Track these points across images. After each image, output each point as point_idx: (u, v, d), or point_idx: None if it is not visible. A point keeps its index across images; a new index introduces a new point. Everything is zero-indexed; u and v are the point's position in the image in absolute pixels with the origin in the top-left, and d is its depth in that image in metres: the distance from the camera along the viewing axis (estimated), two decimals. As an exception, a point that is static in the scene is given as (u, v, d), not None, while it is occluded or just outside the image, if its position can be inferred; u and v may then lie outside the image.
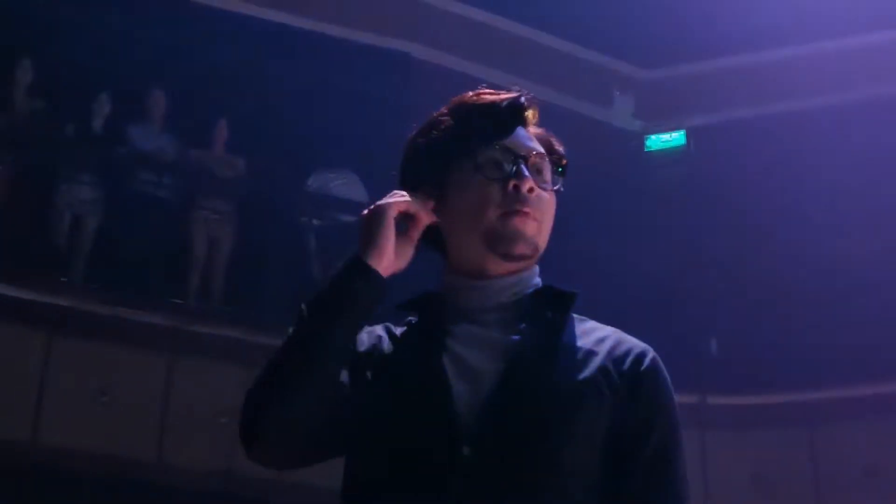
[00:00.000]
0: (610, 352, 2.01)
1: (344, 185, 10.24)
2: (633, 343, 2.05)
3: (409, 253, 2.05)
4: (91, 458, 8.35)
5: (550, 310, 2.05)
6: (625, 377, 1.99)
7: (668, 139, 12.07)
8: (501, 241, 2.03)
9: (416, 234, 2.06)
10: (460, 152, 2.07)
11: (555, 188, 2.10)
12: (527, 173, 2.04)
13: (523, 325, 2.02)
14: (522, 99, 2.11)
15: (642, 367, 2.01)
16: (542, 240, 2.08)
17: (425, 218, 2.06)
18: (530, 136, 2.11)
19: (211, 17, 10.58)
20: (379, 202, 2.05)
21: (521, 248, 2.04)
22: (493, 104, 2.09)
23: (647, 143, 12.11)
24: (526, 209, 2.03)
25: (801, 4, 10.79)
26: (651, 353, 2.04)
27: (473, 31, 11.62)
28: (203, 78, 10.20)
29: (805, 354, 9.78)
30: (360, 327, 2.05)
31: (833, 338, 9.66)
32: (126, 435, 8.49)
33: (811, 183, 10.54)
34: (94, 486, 8.46)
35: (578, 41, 11.82)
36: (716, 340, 10.41)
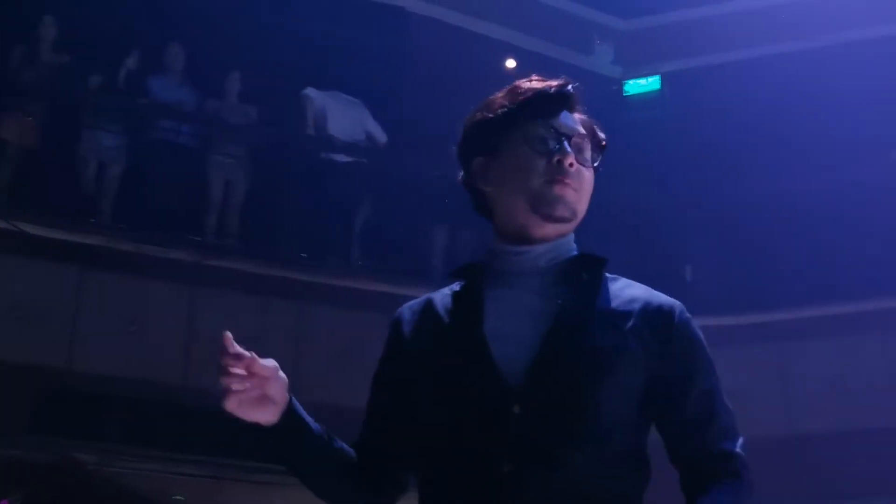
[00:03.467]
0: (642, 310, 2.08)
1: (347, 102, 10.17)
2: (663, 300, 2.11)
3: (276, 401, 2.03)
4: (121, 382, 8.40)
5: (586, 273, 2.11)
6: (657, 333, 2.06)
7: (644, 84, 12.06)
8: (544, 203, 2.08)
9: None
10: (512, 127, 2.13)
11: (594, 165, 2.18)
12: (569, 149, 2.11)
13: (562, 289, 2.07)
14: (570, 87, 2.19)
15: (674, 321, 2.09)
16: (581, 208, 2.14)
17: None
18: (576, 119, 2.18)
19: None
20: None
21: (561, 211, 2.10)
22: (544, 89, 2.17)
23: (626, 87, 12.10)
24: (567, 180, 2.09)
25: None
26: (679, 307, 2.12)
27: (464, -15, 11.53)
28: (217, 32, 10.14)
29: (773, 278, 9.85)
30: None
31: (799, 263, 9.72)
32: (153, 361, 8.54)
33: (777, 122, 10.54)
34: (124, 407, 8.53)
35: (562, -7, 11.79)
36: (690, 266, 10.46)
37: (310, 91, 10.10)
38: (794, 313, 9.69)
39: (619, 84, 12.07)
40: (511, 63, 11.72)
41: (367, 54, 10.79)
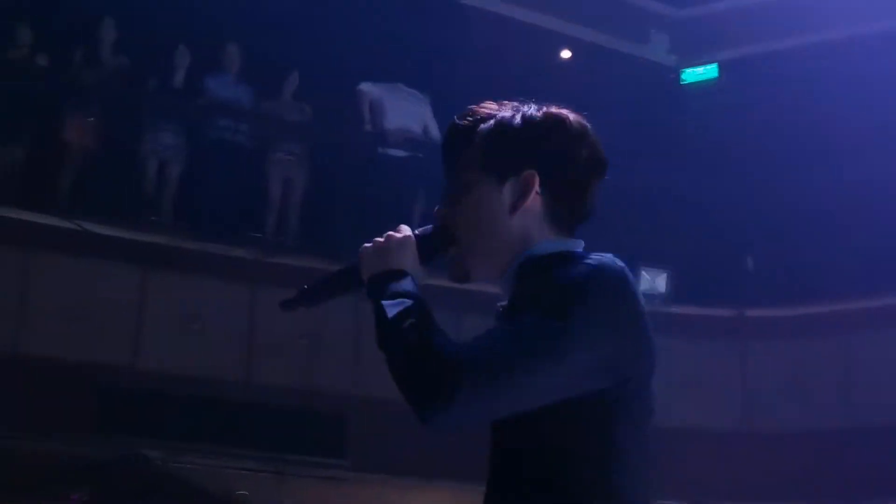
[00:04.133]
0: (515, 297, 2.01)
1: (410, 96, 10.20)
2: (546, 278, 1.95)
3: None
4: (184, 379, 8.49)
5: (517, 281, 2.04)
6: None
7: (701, 72, 11.95)
8: None
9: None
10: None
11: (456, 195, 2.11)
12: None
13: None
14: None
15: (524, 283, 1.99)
16: (470, 260, 2.08)
17: None
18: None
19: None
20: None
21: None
22: None
23: (683, 76, 12.00)
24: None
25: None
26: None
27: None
28: (272, 30, 10.19)
29: (836, 267, 9.73)
30: None
31: (863, 252, 9.60)
32: (215, 357, 8.62)
33: (839, 108, 10.38)
34: (187, 404, 8.61)
35: (617, -16, 11.71)
36: (751, 257, 10.36)
37: (365, 86, 10.13)
38: (858, 303, 9.58)
39: (676, 73, 11.98)
40: (566, 54, 11.68)
41: (422, 48, 10.79)
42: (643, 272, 9.56)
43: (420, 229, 2.12)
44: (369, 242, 2.09)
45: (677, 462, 9.32)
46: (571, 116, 2.08)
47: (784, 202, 10.37)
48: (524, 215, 2.02)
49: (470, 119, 2.10)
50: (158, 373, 8.48)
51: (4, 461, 7.83)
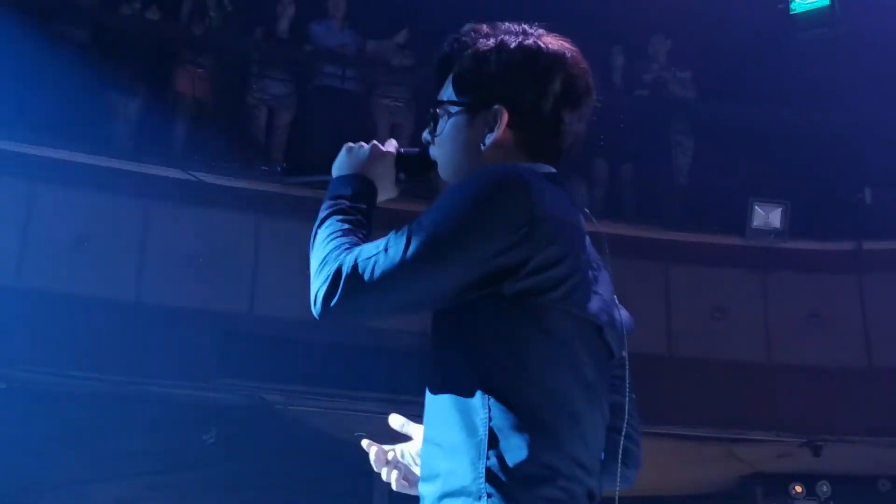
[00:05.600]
0: None
1: None
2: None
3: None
4: (301, 323, 8.61)
5: None
6: None
7: (812, 1, 11.62)
8: None
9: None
10: None
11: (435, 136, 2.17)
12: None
13: None
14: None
15: None
16: (446, 172, 2.16)
17: None
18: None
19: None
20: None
21: None
22: None
23: (792, 5, 11.67)
24: None
25: None
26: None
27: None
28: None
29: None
30: None
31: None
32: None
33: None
34: (305, 349, 8.76)
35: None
36: (870, 189, 10.13)
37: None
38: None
39: (786, 2, 11.67)
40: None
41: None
42: (757, 207, 9.43)
43: (406, 149, 2.22)
44: (355, 143, 2.21)
45: (799, 398, 9.24)
46: (551, 46, 2.08)
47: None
48: (495, 148, 2.06)
49: (455, 45, 2.14)
50: (275, 318, 8.61)
51: (144, 402, 8.10)
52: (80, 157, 8.57)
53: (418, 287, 1.91)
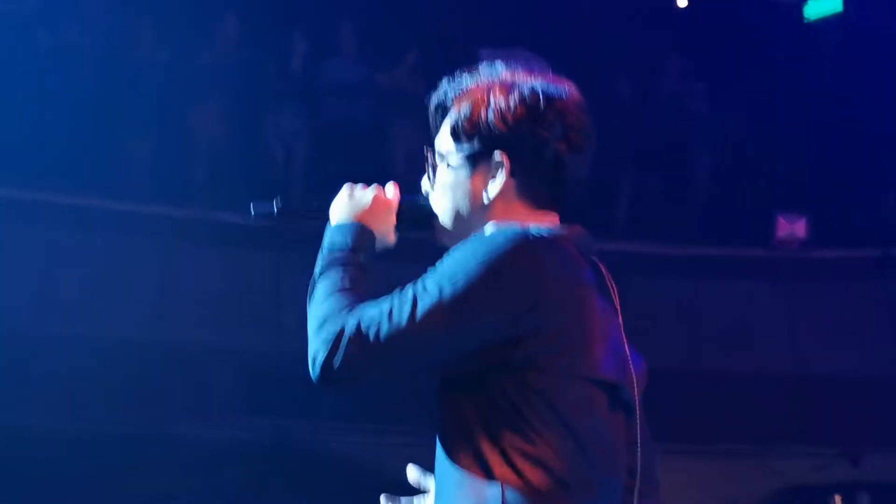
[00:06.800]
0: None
1: None
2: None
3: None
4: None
5: None
6: None
7: (825, 6, 11.60)
8: None
9: None
10: None
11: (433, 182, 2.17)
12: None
13: None
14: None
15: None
16: (444, 236, 2.14)
17: None
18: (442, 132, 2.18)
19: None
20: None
21: None
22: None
23: (805, 11, 11.66)
24: None
25: None
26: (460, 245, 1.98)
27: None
28: (387, 5, 10.23)
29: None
30: None
31: None
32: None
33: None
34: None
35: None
36: (893, 193, 10.07)
37: (485, 52, 10.07)
38: None
39: (798, 7, 11.65)
40: (683, 2, 11.44)
41: (536, 12, 10.71)
42: (781, 219, 9.39)
43: (408, 197, 2.18)
44: (355, 186, 2.16)
45: (831, 409, 9.16)
46: (551, 90, 2.06)
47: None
48: (496, 197, 2.04)
49: (451, 91, 2.14)
50: (301, 352, 8.59)
51: (166, 445, 8.10)
52: (95, 202, 8.62)
53: (422, 354, 1.88)
